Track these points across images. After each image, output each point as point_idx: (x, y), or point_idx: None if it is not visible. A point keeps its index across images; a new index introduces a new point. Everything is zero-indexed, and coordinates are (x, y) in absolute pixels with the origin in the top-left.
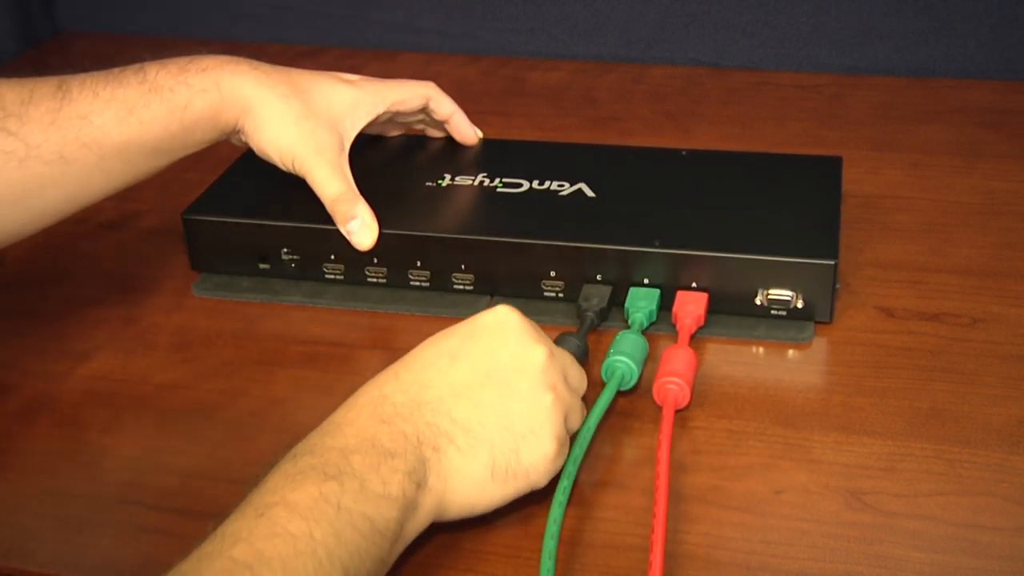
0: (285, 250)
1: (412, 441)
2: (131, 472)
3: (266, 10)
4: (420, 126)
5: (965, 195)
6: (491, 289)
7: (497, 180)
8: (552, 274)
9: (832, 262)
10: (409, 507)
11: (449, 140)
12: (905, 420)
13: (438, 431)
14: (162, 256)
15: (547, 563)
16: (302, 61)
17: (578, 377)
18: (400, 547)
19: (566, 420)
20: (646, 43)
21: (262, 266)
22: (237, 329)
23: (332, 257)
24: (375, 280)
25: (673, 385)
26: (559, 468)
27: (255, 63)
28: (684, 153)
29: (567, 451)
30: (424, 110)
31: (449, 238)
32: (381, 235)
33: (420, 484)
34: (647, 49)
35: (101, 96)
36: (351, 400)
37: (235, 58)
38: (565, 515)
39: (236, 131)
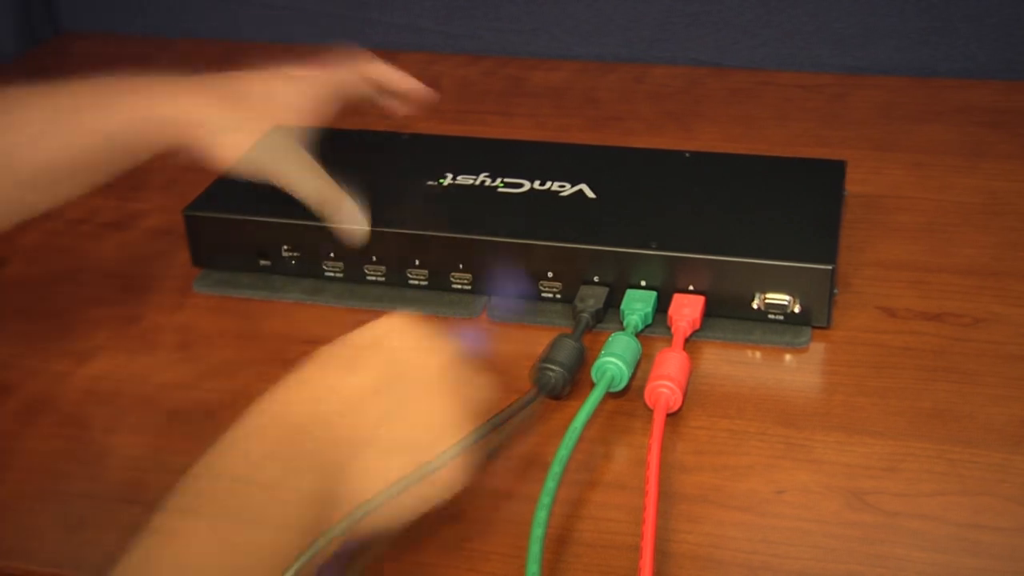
0: (285, 247)
1: None
2: (133, 471)
3: (267, 10)
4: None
5: (967, 195)
6: (488, 289)
7: (499, 180)
8: (549, 275)
9: (830, 267)
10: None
11: (452, 140)
12: (907, 420)
13: None
14: (164, 256)
15: (532, 568)
16: (303, 62)
17: None
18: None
19: None
20: (647, 43)
21: (263, 263)
22: (239, 328)
23: (332, 255)
24: (374, 278)
25: (665, 388)
26: None
27: (193, 79)
28: (687, 155)
29: None
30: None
31: (446, 237)
32: (381, 233)
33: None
34: (648, 49)
35: (26, 112)
36: None
37: (170, 79)
38: (565, 515)
39: (184, 147)
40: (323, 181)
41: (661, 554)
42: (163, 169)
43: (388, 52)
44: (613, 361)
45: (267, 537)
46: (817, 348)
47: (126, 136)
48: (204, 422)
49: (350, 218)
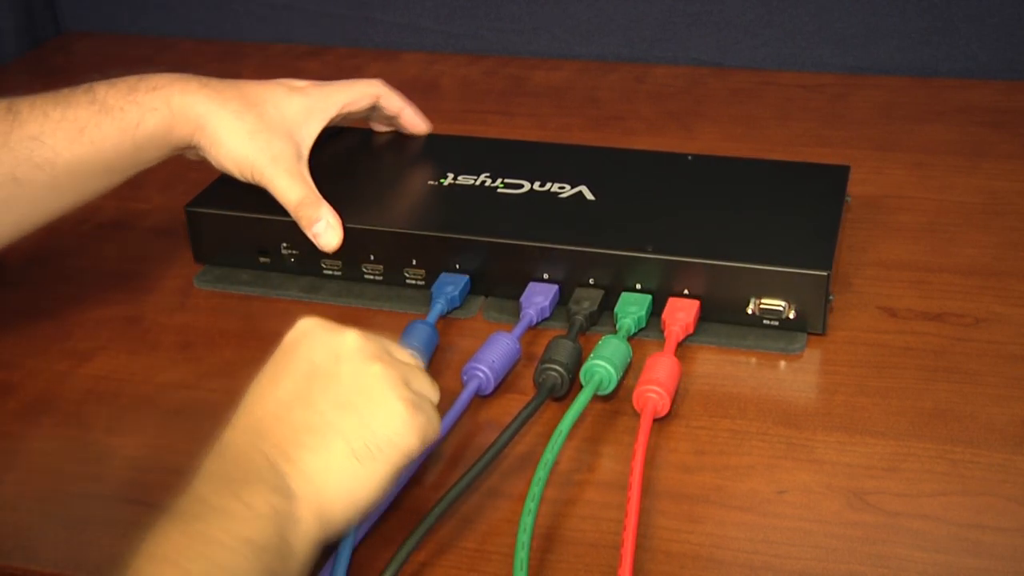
0: (284, 245)
1: (264, 464)
2: (134, 471)
3: (269, 10)
4: (368, 122)
5: (968, 195)
6: (484, 290)
7: (499, 180)
8: (545, 276)
9: (825, 273)
10: (284, 519)
11: (454, 139)
12: (908, 420)
13: (284, 445)
14: (165, 255)
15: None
16: (305, 61)
17: (405, 353)
18: (296, 564)
19: (408, 383)
20: (649, 43)
21: (262, 260)
22: (239, 328)
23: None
24: (371, 277)
25: (653, 393)
26: (426, 428)
27: (204, 79)
28: (689, 158)
29: (426, 411)
30: (374, 107)
31: (441, 237)
32: (379, 232)
33: (287, 496)
34: (650, 49)
35: (51, 117)
36: (201, 463)
37: (184, 75)
38: (567, 514)
39: (191, 147)
40: (307, 194)
41: (663, 554)
42: (163, 169)
43: (389, 51)
44: (602, 364)
45: None
46: (812, 354)
47: (152, 135)
48: (204, 422)
49: (323, 238)
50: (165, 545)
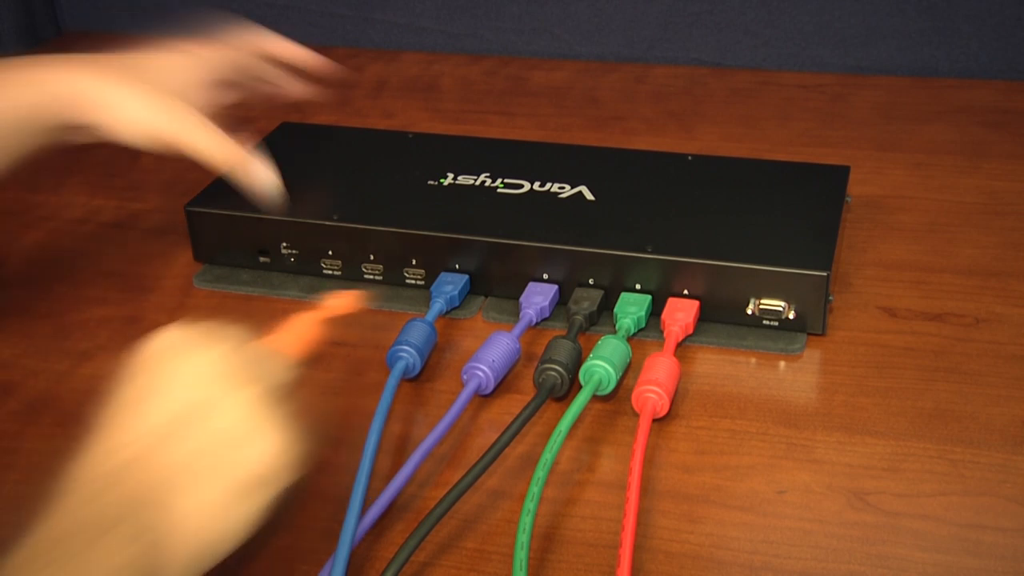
0: (284, 244)
1: None
2: None
3: (269, 10)
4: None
5: (968, 195)
6: (484, 289)
7: (499, 180)
8: (544, 276)
9: (825, 273)
10: None
11: (454, 139)
12: (908, 420)
13: None
14: (164, 255)
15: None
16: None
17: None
18: None
19: None
20: (649, 43)
21: (262, 259)
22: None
23: (330, 253)
24: (371, 277)
25: (652, 394)
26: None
27: (80, 56)
28: (689, 158)
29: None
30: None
31: (442, 237)
32: (379, 232)
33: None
34: (650, 49)
35: None
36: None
37: (57, 56)
38: (566, 514)
39: (82, 127)
40: (228, 142)
41: (663, 554)
42: (163, 169)
43: (389, 51)
44: (601, 364)
45: None
46: (812, 355)
47: (18, 117)
48: None
49: (261, 177)
50: None
